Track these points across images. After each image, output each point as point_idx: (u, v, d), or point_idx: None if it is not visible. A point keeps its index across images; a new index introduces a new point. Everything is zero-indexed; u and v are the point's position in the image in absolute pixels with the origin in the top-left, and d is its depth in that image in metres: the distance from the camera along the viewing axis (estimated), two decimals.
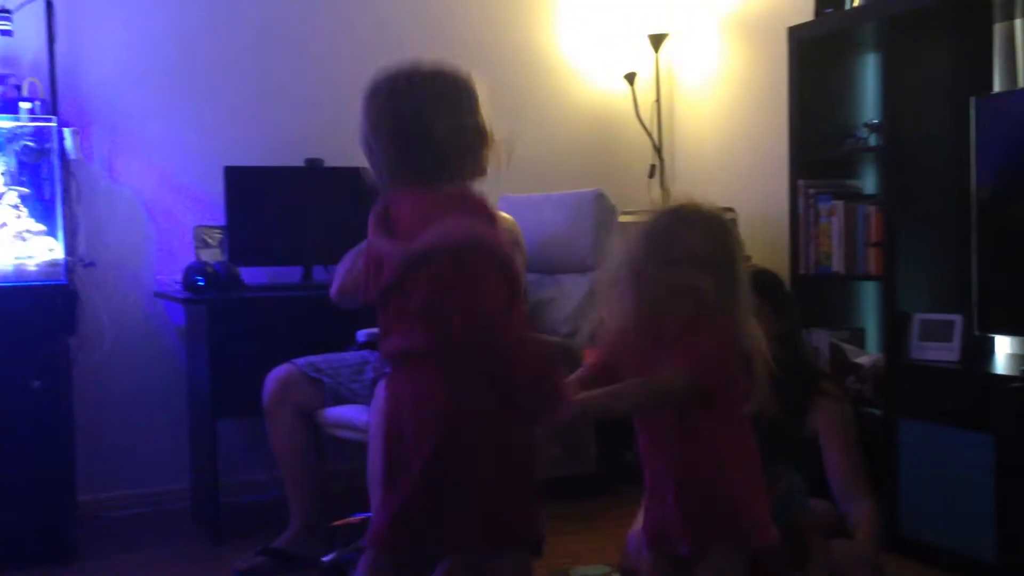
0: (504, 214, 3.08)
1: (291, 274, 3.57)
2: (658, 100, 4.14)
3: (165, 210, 3.51)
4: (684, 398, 1.69)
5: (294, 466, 2.89)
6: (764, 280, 2.41)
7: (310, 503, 2.90)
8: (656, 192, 4.14)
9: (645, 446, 1.80)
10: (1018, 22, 2.99)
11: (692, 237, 1.72)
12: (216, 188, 3.44)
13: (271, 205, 3.50)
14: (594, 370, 1.80)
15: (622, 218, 3.77)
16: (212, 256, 3.37)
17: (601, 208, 3.21)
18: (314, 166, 3.56)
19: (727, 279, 1.72)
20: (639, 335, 1.74)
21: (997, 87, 3.03)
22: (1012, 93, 2.95)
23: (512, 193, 3.62)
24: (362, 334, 3.04)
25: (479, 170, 1.64)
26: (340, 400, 2.90)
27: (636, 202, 4.01)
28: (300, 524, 2.89)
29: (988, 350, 2.97)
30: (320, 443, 2.97)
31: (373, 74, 1.65)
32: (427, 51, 3.87)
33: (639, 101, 4.12)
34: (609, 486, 3.51)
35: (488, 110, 1.65)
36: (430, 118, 1.59)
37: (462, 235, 1.51)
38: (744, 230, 3.67)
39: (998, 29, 3.05)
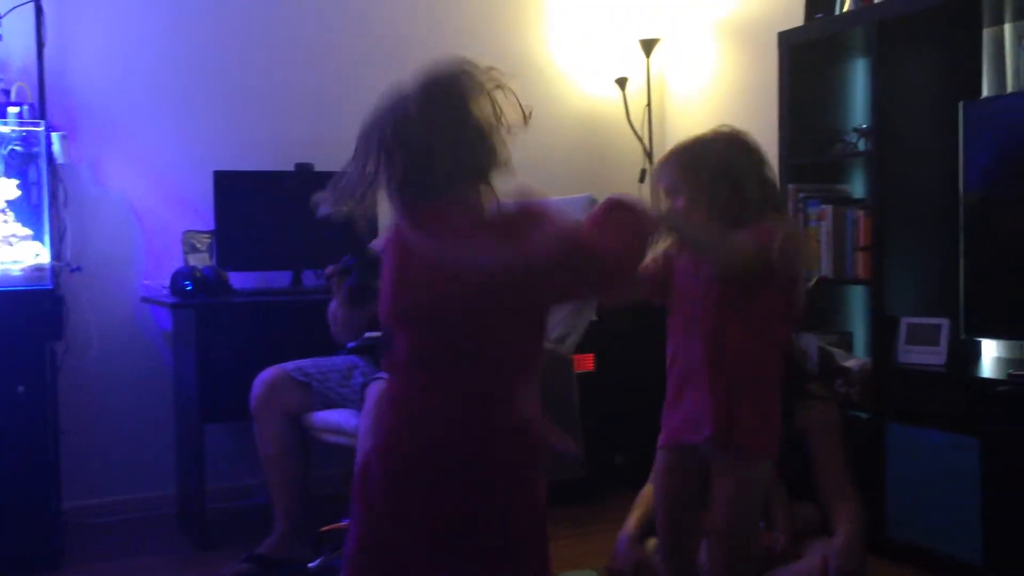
0: None
1: (280, 279, 3.57)
2: (649, 105, 4.14)
3: (153, 214, 3.50)
4: (751, 266, 1.81)
5: (280, 470, 2.87)
6: None
7: (295, 507, 2.88)
8: (647, 197, 4.14)
9: (679, 335, 1.95)
10: (1007, 27, 3.00)
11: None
12: (205, 192, 3.44)
13: (260, 210, 3.49)
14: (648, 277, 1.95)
15: None
16: (201, 261, 3.36)
17: None
18: (304, 171, 3.55)
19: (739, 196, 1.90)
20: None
21: (986, 92, 3.04)
22: (1000, 98, 2.96)
23: (503, 199, 3.61)
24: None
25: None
26: (329, 404, 2.87)
27: None
28: (284, 528, 2.86)
29: (974, 354, 2.97)
30: (307, 447, 2.95)
31: (405, 78, 1.58)
32: (416, 58, 3.91)
33: (630, 106, 4.12)
34: (598, 491, 3.50)
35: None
36: (472, 123, 1.57)
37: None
38: None
39: (987, 34, 3.05)
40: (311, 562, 2.79)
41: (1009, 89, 2.98)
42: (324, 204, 1.60)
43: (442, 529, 1.48)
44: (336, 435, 2.79)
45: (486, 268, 1.44)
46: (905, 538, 2.77)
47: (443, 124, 1.55)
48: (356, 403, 2.75)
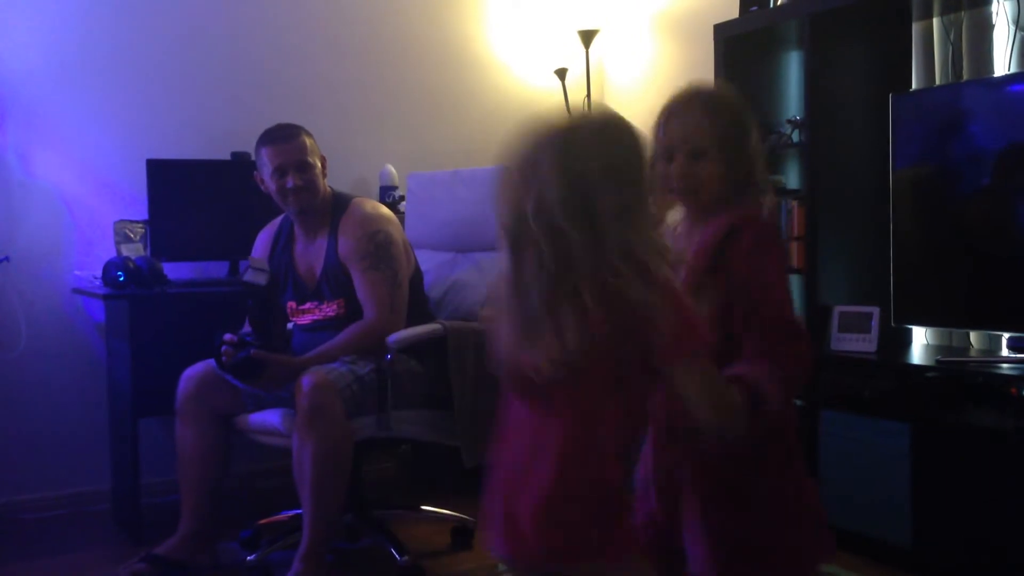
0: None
1: (216, 269, 3.51)
2: (588, 96, 4.16)
3: (84, 204, 3.42)
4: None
5: (196, 471, 2.74)
6: None
7: (204, 511, 2.75)
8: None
9: None
10: (936, 21, 3.07)
11: None
12: (138, 181, 3.37)
13: (196, 199, 3.43)
14: None
15: None
16: (134, 251, 3.30)
17: None
18: (240, 160, 3.50)
19: None
20: None
21: (915, 84, 3.11)
22: (929, 91, 3.03)
23: None
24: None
25: None
26: (261, 404, 2.77)
27: None
28: (189, 530, 2.74)
29: (905, 341, 3.05)
30: (228, 449, 2.83)
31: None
32: (355, 47, 3.89)
33: (570, 97, 4.13)
34: None
35: None
36: None
37: None
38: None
39: (916, 28, 3.12)
40: (249, 555, 2.76)
41: (937, 82, 3.06)
42: None
43: None
44: (270, 436, 2.72)
45: None
46: (838, 522, 2.82)
47: None
48: (288, 401, 2.66)
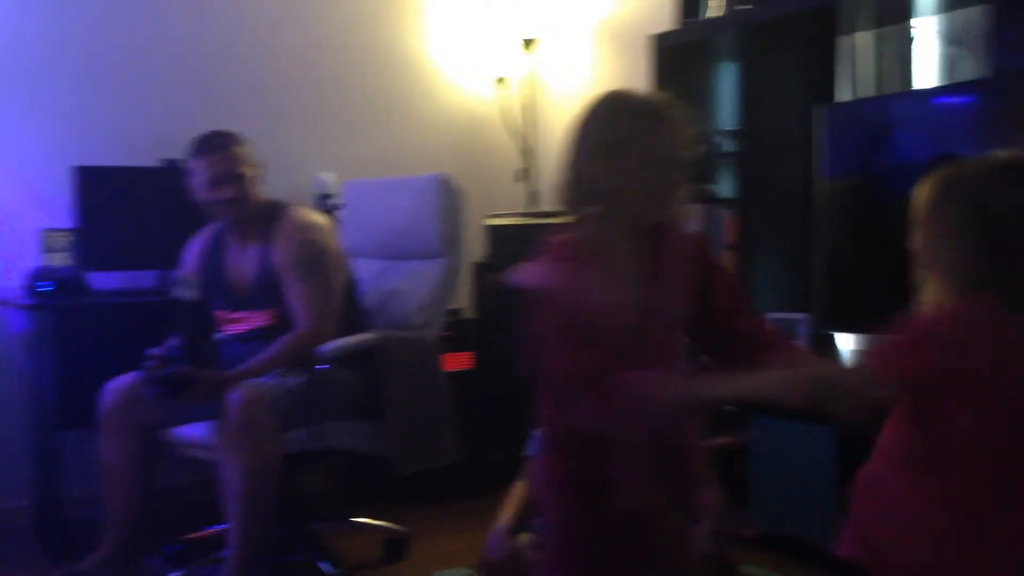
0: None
1: (146, 278, 3.44)
2: (527, 104, 4.17)
3: (7, 212, 3.33)
4: None
5: (120, 484, 2.67)
6: None
7: (129, 526, 2.69)
8: (523, 195, 4.17)
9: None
10: (859, 35, 3.13)
11: None
12: (64, 189, 3.29)
13: (124, 207, 3.36)
14: None
15: (488, 221, 3.79)
16: (59, 260, 3.22)
17: (446, 191, 3.06)
18: (170, 166, 3.44)
19: None
20: None
21: (843, 97, 3.17)
22: (852, 103, 3.08)
23: None
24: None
25: None
26: (188, 417, 2.69)
27: (504, 205, 4.04)
28: (112, 547, 2.67)
29: (832, 348, 3.09)
30: (156, 461, 2.75)
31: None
32: (290, 52, 3.85)
33: (508, 105, 4.14)
34: (473, 490, 3.50)
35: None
36: None
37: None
38: None
39: (843, 41, 3.18)
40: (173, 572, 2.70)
41: (859, 94, 3.12)
42: None
43: None
44: (197, 450, 2.65)
45: None
46: (768, 526, 2.86)
47: None
48: (217, 414, 2.57)
